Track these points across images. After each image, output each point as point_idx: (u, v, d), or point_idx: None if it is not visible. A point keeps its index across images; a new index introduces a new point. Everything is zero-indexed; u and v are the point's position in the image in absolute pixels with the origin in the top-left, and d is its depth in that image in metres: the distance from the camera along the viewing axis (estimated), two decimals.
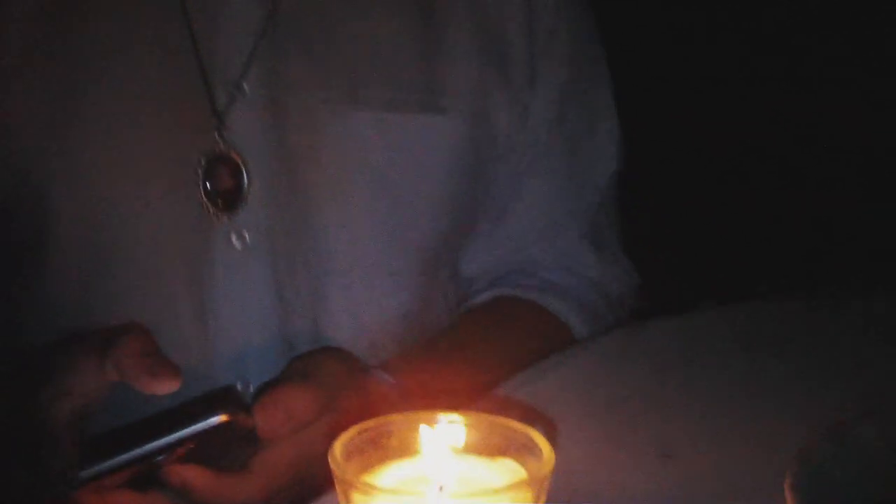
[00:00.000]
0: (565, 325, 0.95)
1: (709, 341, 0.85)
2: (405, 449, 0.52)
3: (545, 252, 0.96)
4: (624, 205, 1.02)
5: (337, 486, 0.48)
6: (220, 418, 0.63)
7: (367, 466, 0.51)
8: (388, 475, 0.51)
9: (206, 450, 0.65)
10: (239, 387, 0.82)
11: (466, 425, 0.52)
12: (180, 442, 0.63)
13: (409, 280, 0.88)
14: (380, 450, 0.52)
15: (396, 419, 0.52)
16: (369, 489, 0.46)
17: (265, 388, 0.70)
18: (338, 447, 0.49)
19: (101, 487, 0.64)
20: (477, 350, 0.90)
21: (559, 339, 0.93)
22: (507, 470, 0.51)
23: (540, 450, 0.49)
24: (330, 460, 0.48)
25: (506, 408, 0.72)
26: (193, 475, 0.64)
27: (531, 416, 0.68)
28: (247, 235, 0.81)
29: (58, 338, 0.75)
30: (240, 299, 0.82)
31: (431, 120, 0.86)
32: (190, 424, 0.63)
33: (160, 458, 0.63)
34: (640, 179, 1.05)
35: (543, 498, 0.48)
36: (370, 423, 0.52)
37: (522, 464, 0.51)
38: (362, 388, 0.76)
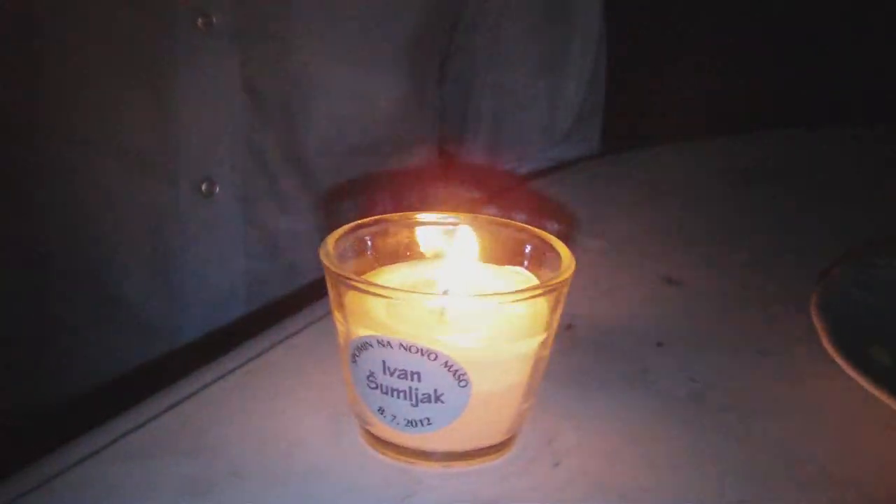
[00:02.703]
0: None
1: (712, 170, 0.80)
2: (404, 252, 0.46)
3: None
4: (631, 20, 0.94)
5: (329, 286, 0.42)
6: None
7: (362, 269, 0.45)
8: (385, 278, 0.45)
9: None
10: (203, 188, 0.76)
11: (473, 228, 0.46)
12: None
13: (395, 68, 0.80)
14: (376, 252, 0.46)
15: (395, 219, 0.46)
16: (368, 287, 0.40)
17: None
18: (330, 242, 0.43)
19: None
20: None
21: None
22: (519, 278, 0.45)
23: (558, 256, 0.44)
24: (322, 256, 0.42)
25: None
26: None
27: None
28: (213, 18, 0.72)
29: None
30: (203, 91, 0.74)
31: None
32: None
33: None
34: None
35: (560, 310, 0.43)
36: (365, 221, 0.46)
37: (536, 272, 0.45)
38: None
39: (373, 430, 0.43)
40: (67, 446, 0.43)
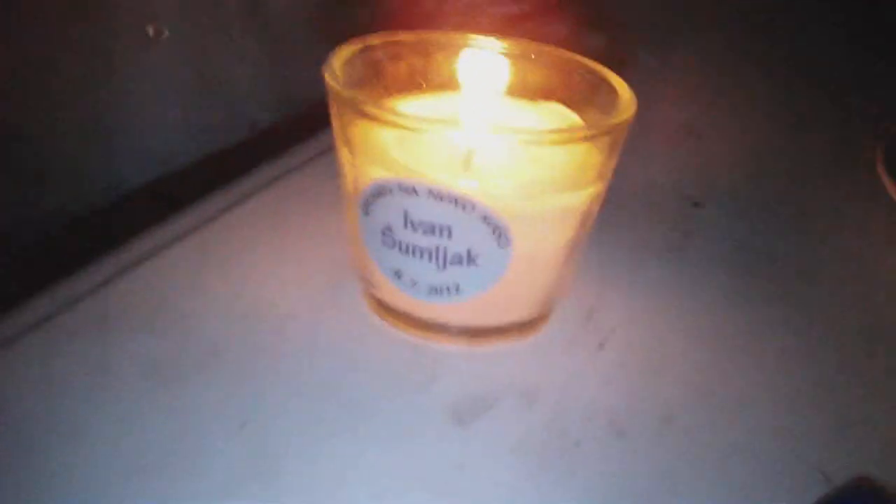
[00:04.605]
0: None
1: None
2: (420, 79, 0.37)
3: None
4: None
5: (333, 117, 0.33)
6: None
7: (371, 98, 0.36)
8: (401, 108, 0.36)
9: None
10: (149, 31, 0.65)
11: (506, 53, 0.37)
12: None
13: None
14: (388, 78, 0.37)
15: (411, 40, 0.37)
16: (383, 117, 0.31)
17: None
18: (336, 62, 0.34)
19: None
20: None
21: None
22: (560, 117, 0.37)
23: (614, 93, 0.35)
24: (328, 77, 0.32)
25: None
26: None
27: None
28: None
29: None
30: None
31: None
32: None
33: None
34: None
35: (615, 159, 0.34)
36: (375, 41, 0.36)
37: (581, 112, 0.37)
38: None
39: (381, 297, 0.35)
40: None
